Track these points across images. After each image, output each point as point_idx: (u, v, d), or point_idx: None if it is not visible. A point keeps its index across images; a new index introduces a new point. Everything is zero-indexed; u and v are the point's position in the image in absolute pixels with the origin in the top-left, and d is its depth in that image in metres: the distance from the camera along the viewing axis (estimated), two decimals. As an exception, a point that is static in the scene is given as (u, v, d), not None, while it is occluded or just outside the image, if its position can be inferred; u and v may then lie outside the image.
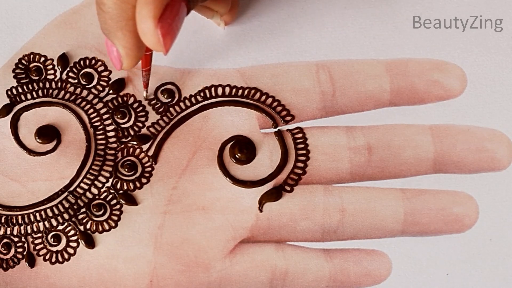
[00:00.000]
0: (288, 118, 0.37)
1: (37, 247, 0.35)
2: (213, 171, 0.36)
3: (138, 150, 0.36)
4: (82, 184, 0.35)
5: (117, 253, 0.35)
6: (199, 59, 0.37)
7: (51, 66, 0.37)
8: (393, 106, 0.37)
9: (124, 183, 0.36)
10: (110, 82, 0.37)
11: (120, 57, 0.30)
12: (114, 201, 0.35)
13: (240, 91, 0.37)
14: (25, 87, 0.37)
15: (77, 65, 0.37)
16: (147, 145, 0.36)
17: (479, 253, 0.36)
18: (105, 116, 0.36)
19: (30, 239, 0.35)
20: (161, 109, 0.37)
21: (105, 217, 0.35)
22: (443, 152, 0.36)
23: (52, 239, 0.35)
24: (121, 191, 0.35)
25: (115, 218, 0.35)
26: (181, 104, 0.37)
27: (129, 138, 0.36)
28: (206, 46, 0.38)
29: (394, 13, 0.39)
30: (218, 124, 0.37)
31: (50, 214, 0.35)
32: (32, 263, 0.35)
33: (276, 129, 0.37)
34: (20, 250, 0.35)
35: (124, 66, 0.31)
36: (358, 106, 0.37)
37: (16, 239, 0.35)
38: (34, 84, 0.37)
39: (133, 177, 0.36)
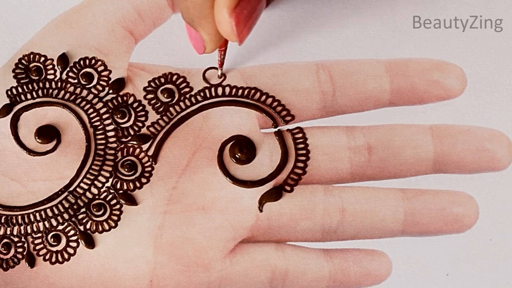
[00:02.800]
0: (288, 118, 0.37)
1: (37, 247, 0.35)
2: (213, 171, 0.36)
3: (138, 150, 0.36)
4: (82, 184, 0.35)
5: (117, 253, 0.35)
6: (199, 59, 0.37)
7: (51, 66, 0.37)
8: (393, 106, 0.37)
9: (124, 183, 0.36)
10: (110, 82, 0.37)
11: (203, 42, 0.32)
12: (114, 201, 0.35)
13: (240, 91, 0.37)
14: (25, 87, 0.37)
15: (77, 65, 0.37)
16: (147, 145, 0.36)
17: (479, 253, 0.36)
18: (105, 116, 0.36)
19: (30, 239, 0.35)
20: (161, 109, 0.37)
21: (105, 217, 0.35)
22: (443, 152, 0.36)
23: (52, 239, 0.35)
24: (121, 191, 0.35)
25: (115, 218, 0.35)
26: (181, 103, 0.37)
27: (129, 138, 0.36)
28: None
29: (394, 13, 0.39)
30: (218, 124, 0.37)
31: (50, 214, 0.35)
32: (32, 263, 0.35)
33: (276, 129, 0.37)
34: (20, 250, 0.35)
35: (207, 50, 0.32)
36: (358, 106, 0.37)
37: (16, 239, 0.35)
38: (34, 84, 0.37)
39: (133, 177, 0.36)
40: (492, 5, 0.39)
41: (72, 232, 0.35)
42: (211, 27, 0.31)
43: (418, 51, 0.38)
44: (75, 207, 0.35)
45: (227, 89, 0.37)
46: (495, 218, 0.37)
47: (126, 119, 0.36)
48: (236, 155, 0.36)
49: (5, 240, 0.35)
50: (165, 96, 0.37)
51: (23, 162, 0.36)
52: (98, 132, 0.36)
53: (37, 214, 0.35)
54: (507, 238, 0.37)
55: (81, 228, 0.35)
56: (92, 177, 0.36)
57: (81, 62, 0.37)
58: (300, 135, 0.37)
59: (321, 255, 0.36)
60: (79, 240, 0.35)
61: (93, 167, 0.36)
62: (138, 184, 0.36)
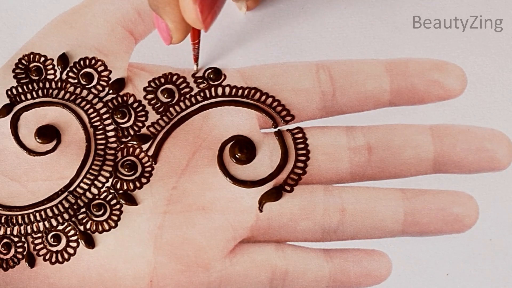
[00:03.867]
0: (288, 118, 0.37)
1: (37, 247, 0.35)
2: (213, 171, 0.36)
3: (138, 150, 0.36)
4: (82, 184, 0.35)
5: (117, 253, 0.35)
6: (200, 59, 0.37)
7: (51, 66, 0.37)
8: (393, 106, 0.37)
9: (124, 183, 0.36)
10: (110, 82, 0.37)
11: (169, 31, 0.32)
12: (114, 201, 0.35)
13: (240, 91, 0.37)
14: (25, 87, 0.37)
15: (77, 65, 0.37)
16: (147, 145, 0.36)
17: (479, 253, 0.36)
18: (105, 116, 0.36)
19: (30, 239, 0.35)
20: (161, 109, 0.37)
21: (105, 217, 0.35)
22: (443, 152, 0.36)
23: (52, 239, 0.35)
24: (121, 191, 0.35)
25: (115, 218, 0.35)
26: (181, 103, 0.37)
27: (129, 138, 0.36)
28: (206, 46, 0.38)
29: (394, 13, 0.39)
30: (218, 124, 0.37)
31: (50, 214, 0.35)
32: (32, 263, 0.35)
33: (276, 129, 0.37)
34: (20, 250, 0.35)
35: (174, 40, 0.32)
36: (358, 106, 0.37)
37: (16, 239, 0.35)
38: (34, 84, 0.37)
39: (133, 177, 0.36)
40: (492, 5, 0.39)
41: (72, 232, 0.35)
42: (175, 14, 0.31)
43: (418, 51, 0.38)
44: (75, 207, 0.35)
45: (227, 89, 0.37)
46: (495, 218, 0.37)
47: (126, 119, 0.36)
48: (236, 155, 0.36)
49: (5, 240, 0.35)
50: (165, 96, 0.37)
51: (23, 162, 0.36)
52: (98, 132, 0.36)
53: (37, 214, 0.35)
54: (507, 238, 0.37)
55: (81, 228, 0.35)
56: (92, 177, 0.36)
57: (81, 62, 0.37)
58: (300, 135, 0.37)
59: (321, 255, 0.36)
60: (79, 240, 0.35)
61: (93, 167, 0.36)
62: (138, 184, 0.36)
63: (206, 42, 0.38)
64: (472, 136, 0.37)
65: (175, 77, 0.37)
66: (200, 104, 0.37)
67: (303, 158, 0.36)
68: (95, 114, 0.36)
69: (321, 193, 0.36)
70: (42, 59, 0.37)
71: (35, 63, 0.37)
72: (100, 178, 0.36)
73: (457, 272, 0.36)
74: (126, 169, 0.36)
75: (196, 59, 0.36)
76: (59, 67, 0.37)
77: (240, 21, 0.39)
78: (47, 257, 0.35)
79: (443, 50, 0.38)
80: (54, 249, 0.35)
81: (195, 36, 0.35)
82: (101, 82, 0.37)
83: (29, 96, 0.36)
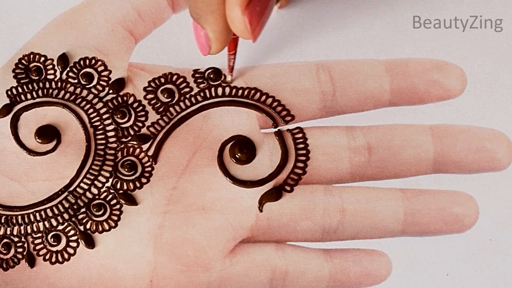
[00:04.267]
0: (288, 118, 0.37)
1: (37, 247, 0.35)
2: (213, 171, 0.36)
3: (138, 150, 0.36)
4: (82, 184, 0.35)
5: (117, 253, 0.35)
6: (199, 59, 0.37)
7: (51, 66, 0.37)
8: (393, 106, 0.37)
9: (124, 183, 0.36)
10: (110, 82, 0.37)
11: (208, 41, 0.31)
12: (114, 201, 0.35)
13: (240, 91, 0.37)
14: (25, 87, 0.37)
15: (77, 65, 0.37)
16: (147, 145, 0.36)
17: (479, 253, 0.36)
18: (105, 116, 0.36)
19: (30, 239, 0.35)
20: (161, 109, 0.37)
21: (105, 217, 0.35)
22: (443, 152, 0.36)
23: (52, 239, 0.35)
24: (121, 191, 0.35)
25: (115, 218, 0.35)
26: (181, 103, 0.37)
27: (129, 138, 0.36)
28: (206, 46, 0.38)
29: (394, 13, 0.39)
30: (218, 124, 0.37)
31: (50, 214, 0.35)
32: (32, 263, 0.35)
33: (276, 129, 0.37)
34: (20, 250, 0.35)
35: (212, 50, 0.32)
36: (358, 106, 0.37)
37: (16, 239, 0.35)
38: (34, 84, 0.37)
39: (133, 177, 0.36)
40: (492, 5, 0.39)
41: (72, 232, 0.35)
42: (217, 24, 0.30)
43: (418, 51, 0.38)
44: (75, 207, 0.35)
45: (227, 89, 0.37)
46: (495, 218, 0.37)
47: (126, 119, 0.36)
48: (236, 155, 0.36)
49: (5, 240, 0.35)
50: (165, 96, 0.37)
51: (23, 162, 0.36)
52: (98, 132, 0.36)
53: (37, 214, 0.35)
54: (507, 238, 0.37)
55: (81, 228, 0.35)
56: (92, 177, 0.36)
57: (81, 62, 0.37)
58: (300, 135, 0.37)
59: (321, 255, 0.36)
60: (79, 240, 0.35)
61: (93, 167, 0.36)
62: (138, 184, 0.36)
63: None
64: (472, 136, 0.37)
65: (175, 77, 0.37)
66: (200, 104, 0.37)
67: (303, 158, 0.36)
68: (95, 114, 0.36)
69: (321, 193, 0.36)
70: (42, 59, 0.37)
71: (35, 63, 0.37)
72: (100, 178, 0.36)
73: (457, 272, 0.36)
74: (126, 169, 0.36)
75: (231, 69, 0.36)
76: (59, 67, 0.37)
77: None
78: (47, 257, 0.35)
79: (443, 50, 0.38)
80: (54, 249, 0.35)
81: (232, 47, 0.35)
82: (101, 82, 0.37)
83: (29, 96, 0.36)
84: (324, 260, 0.36)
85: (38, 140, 0.36)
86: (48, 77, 0.37)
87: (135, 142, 0.36)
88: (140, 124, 0.36)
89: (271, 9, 0.30)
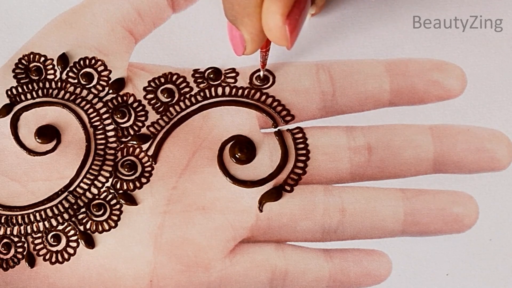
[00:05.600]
0: (288, 118, 0.37)
1: (37, 247, 0.35)
2: (213, 171, 0.36)
3: (138, 150, 0.36)
4: (82, 184, 0.35)
5: (117, 253, 0.35)
6: (200, 59, 0.37)
7: (51, 66, 0.37)
8: (393, 106, 0.37)
9: (124, 183, 0.36)
10: (110, 82, 0.37)
11: (243, 42, 0.31)
12: (114, 201, 0.35)
13: (240, 91, 0.37)
14: (25, 87, 0.37)
15: (77, 65, 0.37)
16: (147, 144, 0.36)
17: (479, 253, 0.36)
18: (105, 116, 0.36)
19: (30, 239, 0.35)
20: (161, 109, 0.37)
21: (105, 217, 0.35)
22: (443, 152, 0.36)
23: (52, 239, 0.35)
24: (121, 191, 0.35)
25: (115, 218, 0.35)
26: (181, 103, 0.37)
27: (129, 137, 0.36)
28: (206, 46, 0.38)
29: (394, 13, 0.39)
30: (218, 124, 0.37)
31: (50, 214, 0.35)
32: (32, 263, 0.35)
33: (276, 129, 0.37)
34: (20, 250, 0.35)
35: (247, 51, 0.32)
36: (358, 106, 0.37)
37: (16, 239, 0.35)
38: (34, 84, 0.37)
39: (133, 177, 0.36)
40: (492, 5, 0.39)
41: (72, 232, 0.35)
42: (253, 26, 0.30)
43: (418, 51, 0.38)
44: (75, 207, 0.35)
45: (227, 89, 0.37)
46: (495, 218, 0.37)
47: (126, 119, 0.36)
48: (236, 155, 0.36)
49: (5, 240, 0.35)
50: (165, 96, 0.37)
51: (23, 162, 0.36)
52: (98, 132, 0.36)
53: (37, 214, 0.35)
54: (507, 238, 0.37)
55: (81, 228, 0.35)
56: (92, 177, 0.36)
57: (81, 62, 0.37)
58: (300, 135, 0.37)
59: (321, 255, 0.36)
60: (79, 240, 0.35)
61: (93, 167, 0.36)
62: (138, 184, 0.36)
63: (206, 42, 0.38)
64: (472, 136, 0.37)
65: (175, 77, 0.37)
66: (200, 104, 0.37)
67: (303, 158, 0.36)
68: (95, 114, 0.36)
69: (321, 193, 0.36)
70: (42, 59, 0.37)
71: (35, 63, 0.37)
72: (100, 178, 0.36)
73: (457, 272, 0.36)
74: (126, 169, 0.36)
75: (264, 66, 0.36)
76: (59, 67, 0.37)
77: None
78: (47, 257, 0.35)
79: (443, 50, 0.38)
80: (54, 249, 0.35)
81: (266, 44, 0.34)
82: (101, 82, 0.37)
83: (29, 96, 0.36)
84: (324, 260, 0.36)
85: (38, 140, 0.36)
86: (48, 77, 0.37)
87: (135, 142, 0.36)
88: (140, 124, 0.36)
89: (306, 16, 0.30)
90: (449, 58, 0.38)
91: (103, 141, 0.36)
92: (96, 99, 0.37)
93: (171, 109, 0.37)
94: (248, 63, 0.38)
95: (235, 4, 0.30)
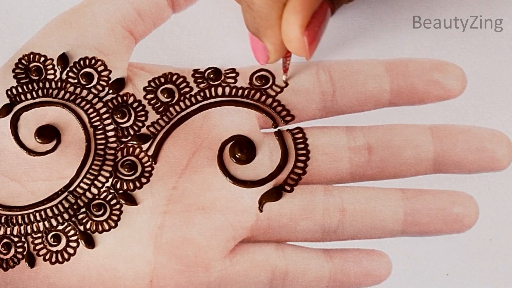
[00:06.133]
0: (288, 118, 0.37)
1: (37, 247, 0.35)
2: (213, 171, 0.36)
3: (138, 150, 0.36)
4: (82, 184, 0.35)
5: (117, 253, 0.35)
6: (200, 59, 0.37)
7: (51, 66, 0.37)
8: (393, 106, 0.37)
9: (124, 183, 0.36)
10: (110, 82, 0.37)
11: (267, 52, 0.32)
12: (114, 201, 0.35)
13: (240, 91, 0.37)
14: (25, 87, 0.37)
15: (77, 65, 0.37)
16: (147, 144, 0.36)
17: (479, 253, 0.36)
18: (105, 116, 0.36)
19: (30, 239, 0.35)
20: (161, 109, 0.37)
21: (105, 217, 0.35)
22: (443, 152, 0.36)
23: (52, 239, 0.35)
24: (121, 191, 0.35)
25: (115, 218, 0.35)
26: (181, 103, 0.37)
27: (129, 137, 0.36)
28: (206, 46, 0.38)
29: (394, 13, 0.39)
30: (218, 124, 0.37)
31: (50, 214, 0.35)
32: (32, 263, 0.35)
33: (276, 129, 0.37)
34: (20, 250, 0.35)
35: (271, 60, 0.33)
36: (358, 106, 0.37)
37: (16, 239, 0.35)
38: (34, 84, 0.37)
39: (133, 177, 0.36)
40: (492, 5, 0.39)
41: (72, 232, 0.35)
42: (276, 37, 0.31)
43: (418, 51, 0.38)
44: (75, 207, 0.35)
45: (227, 89, 0.37)
46: (495, 218, 0.37)
47: (126, 119, 0.36)
48: (236, 155, 0.36)
49: (5, 240, 0.35)
50: (165, 96, 0.37)
51: (23, 162, 0.36)
52: (98, 132, 0.36)
53: (37, 214, 0.35)
54: (507, 238, 0.37)
55: (81, 228, 0.35)
56: (92, 177, 0.36)
57: (81, 62, 0.37)
58: (300, 135, 0.37)
59: (321, 255, 0.36)
60: (79, 240, 0.35)
61: (93, 167, 0.36)
62: (138, 184, 0.36)
63: (206, 42, 0.38)
64: (472, 136, 0.37)
65: (175, 77, 0.37)
66: (200, 104, 0.37)
67: (303, 158, 0.36)
68: (95, 114, 0.36)
69: (321, 193, 0.36)
70: (42, 59, 0.37)
71: (35, 63, 0.37)
72: (100, 178, 0.36)
73: (457, 272, 0.36)
74: (126, 169, 0.36)
75: (286, 70, 0.36)
76: (59, 67, 0.37)
77: (240, 20, 0.38)
78: (47, 257, 0.35)
79: (443, 50, 0.38)
80: (54, 249, 0.35)
81: (288, 51, 0.35)
82: (101, 82, 0.37)
83: (29, 96, 0.36)
84: (324, 260, 0.36)
85: (38, 140, 0.36)
86: (48, 77, 0.37)
87: (135, 142, 0.36)
88: (140, 124, 0.36)
89: (326, 25, 0.31)
90: (449, 58, 0.38)
91: (103, 141, 0.36)
92: (96, 99, 0.37)
93: (171, 109, 0.37)
94: (248, 63, 0.38)
95: (256, 17, 0.30)
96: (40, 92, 0.37)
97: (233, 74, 0.37)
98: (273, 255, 0.36)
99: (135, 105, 0.37)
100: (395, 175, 0.36)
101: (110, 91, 0.37)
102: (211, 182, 0.36)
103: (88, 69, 0.37)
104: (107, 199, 0.35)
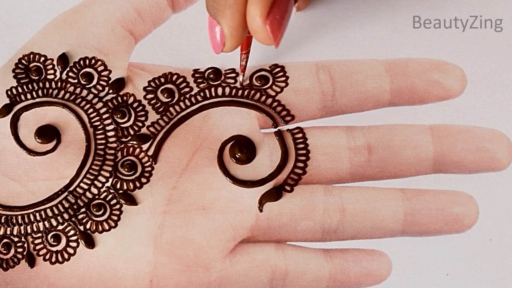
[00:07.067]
0: (288, 118, 0.37)
1: (37, 247, 0.35)
2: (213, 171, 0.36)
3: (138, 150, 0.36)
4: (82, 184, 0.35)
5: (117, 253, 0.35)
6: (200, 59, 0.37)
7: (51, 66, 0.37)
8: (393, 106, 0.37)
9: (124, 183, 0.36)
10: (110, 81, 0.37)
11: (223, 38, 0.32)
12: (114, 201, 0.35)
13: (240, 91, 0.37)
14: (25, 87, 0.37)
15: (77, 65, 0.37)
16: (147, 144, 0.36)
17: (479, 253, 0.36)
18: (105, 116, 0.36)
19: (30, 239, 0.35)
20: (161, 109, 0.37)
21: (105, 217, 0.35)
22: (443, 152, 0.36)
23: (52, 239, 0.35)
24: (121, 191, 0.35)
25: (115, 218, 0.35)
26: (181, 103, 0.37)
27: (129, 137, 0.36)
28: (206, 46, 0.38)
29: (394, 13, 0.39)
30: (218, 124, 0.37)
31: (50, 214, 0.35)
32: (32, 263, 0.35)
33: (276, 129, 0.37)
34: (20, 250, 0.35)
35: (226, 47, 0.32)
36: (358, 106, 0.37)
37: (16, 239, 0.35)
38: (34, 84, 0.37)
39: (133, 177, 0.36)
40: (492, 5, 0.39)
41: (72, 232, 0.35)
42: (234, 20, 0.31)
43: (418, 51, 0.38)
44: (75, 207, 0.35)
45: (227, 89, 0.37)
46: (495, 218, 0.37)
47: (126, 119, 0.36)
48: (236, 155, 0.36)
49: (5, 240, 0.35)
50: (165, 96, 0.37)
51: (23, 162, 0.36)
52: (98, 132, 0.36)
53: (37, 214, 0.35)
54: (507, 238, 0.37)
55: (81, 228, 0.35)
56: (92, 177, 0.36)
57: (81, 62, 0.37)
58: (300, 135, 0.37)
59: (321, 255, 0.36)
60: (79, 240, 0.35)
61: (93, 167, 0.36)
62: (138, 184, 0.36)
63: (206, 42, 0.38)
64: (472, 136, 0.37)
65: (175, 77, 0.37)
66: (200, 104, 0.37)
67: (303, 158, 0.36)
68: (95, 114, 0.36)
69: (321, 193, 0.36)
70: (42, 59, 0.37)
71: (35, 63, 0.37)
72: (100, 178, 0.36)
73: (457, 272, 0.36)
74: (126, 169, 0.36)
75: (244, 69, 0.36)
76: (59, 67, 0.37)
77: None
78: (47, 257, 0.35)
79: (443, 50, 0.38)
80: (54, 249, 0.35)
81: (245, 46, 0.35)
82: (101, 82, 0.37)
83: (29, 96, 0.36)
84: (324, 260, 0.36)
85: (38, 140, 0.36)
86: (48, 77, 0.37)
87: (135, 142, 0.36)
88: (140, 124, 0.36)
89: (290, 13, 0.31)
90: (449, 58, 0.38)
91: (103, 141, 0.36)
92: (96, 99, 0.37)
93: (171, 109, 0.37)
94: (248, 63, 0.38)
95: None
96: (40, 92, 0.37)
97: (233, 74, 0.37)
98: (273, 255, 0.36)
99: (135, 105, 0.37)
100: (395, 175, 0.36)
101: (110, 91, 0.37)
102: (211, 182, 0.36)
103: (88, 69, 0.37)
104: (107, 199, 0.35)
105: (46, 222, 0.35)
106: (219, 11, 0.31)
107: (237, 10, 0.30)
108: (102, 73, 0.37)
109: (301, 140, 0.36)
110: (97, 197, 0.35)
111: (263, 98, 0.37)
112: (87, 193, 0.35)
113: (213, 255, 0.35)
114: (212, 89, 0.37)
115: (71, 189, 0.35)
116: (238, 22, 0.31)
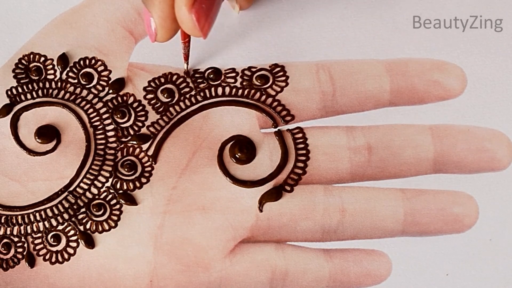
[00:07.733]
0: (288, 118, 0.37)
1: (37, 247, 0.35)
2: (213, 171, 0.36)
3: (138, 150, 0.36)
4: (82, 184, 0.35)
5: (117, 253, 0.35)
6: (200, 59, 0.37)
7: (51, 66, 0.37)
8: (393, 106, 0.37)
9: (124, 183, 0.36)
10: (110, 82, 0.37)
11: (156, 28, 0.31)
12: (114, 201, 0.35)
13: (240, 91, 0.37)
14: (25, 87, 0.37)
15: (77, 65, 0.37)
16: (147, 144, 0.36)
17: (479, 253, 0.36)
18: (104, 116, 0.36)
19: (30, 239, 0.35)
20: (161, 109, 0.37)
21: (105, 217, 0.35)
22: (443, 152, 0.36)
23: (52, 239, 0.35)
24: (121, 191, 0.35)
25: (115, 218, 0.35)
26: (181, 103, 0.37)
27: (129, 137, 0.36)
28: (206, 46, 0.38)
29: (394, 13, 0.39)
30: (218, 124, 0.37)
31: (50, 214, 0.35)
32: (32, 263, 0.35)
33: (276, 129, 0.37)
34: (20, 250, 0.35)
35: (158, 37, 0.32)
36: (358, 106, 0.37)
37: (16, 239, 0.35)
38: (34, 84, 0.37)
39: (133, 177, 0.36)
40: (492, 5, 0.39)
41: (72, 232, 0.35)
42: (162, 10, 0.31)
43: (418, 51, 0.38)
44: (75, 207, 0.35)
45: (227, 89, 0.37)
46: (495, 218, 0.37)
47: (126, 119, 0.36)
48: (236, 155, 0.36)
49: (5, 240, 0.35)
50: (165, 96, 0.37)
51: (23, 162, 0.36)
52: (98, 132, 0.36)
53: (37, 214, 0.35)
54: (507, 238, 0.37)
55: (81, 228, 0.35)
56: (92, 177, 0.36)
57: (81, 62, 0.37)
58: (300, 135, 0.37)
59: (321, 255, 0.36)
60: (79, 240, 0.35)
61: (93, 167, 0.36)
62: (138, 184, 0.36)
63: (206, 42, 0.38)
64: (472, 136, 0.37)
65: (175, 77, 0.37)
66: (200, 104, 0.37)
67: (303, 158, 0.36)
68: (95, 114, 0.36)
69: (321, 193, 0.36)
70: (42, 59, 0.37)
71: (35, 63, 0.37)
72: (100, 178, 0.36)
73: (457, 272, 0.36)
74: (126, 169, 0.36)
75: (186, 57, 0.36)
76: (59, 67, 0.37)
77: (240, 20, 0.39)
78: (47, 257, 0.35)
79: (443, 50, 0.38)
80: (54, 249, 0.35)
81: (185, 35, 0.35)
82: (101, 82, 0.37)
83: (29, 96, 0.36)
84: (324, 260, 0.36)
85: (38, 140, 0.36)
86: (48, 77, 0.37)
87: (135, 142, 0.36)
88: (140, 124, 0.36)
89: (218, 6, 0.31)
90: (449, 58, 0.38)
91: (103, 141, 0.36)
92: (96, 99, 0.37)
93: (171, 109, 0.37)
94: (248, 63, 0.38)
95: None
96: (40, 92, 0.37)
97: (233, 74, 0.37)
98: (273, 255, 0.36)
99: (135, 105, 0.37)
100: (395, 175, 0.36)
101: (110, 91, 0.37)
102: (211, 182, 0.36)
103: (88, 69, 0.37)
104: (107, 199, 0.35)
105: (46, 222, 0.35)
106: (149, 1, 0.31)
107: (165, 2, 0.30)
108: (102, 73, 0.37)
109: (301, 140, 0.36)
110: (97, 197, 0.35)
111: (263, 97, 0.37)
112: (87, 193, 0.35)
113: (213, 255, 0.35)
114: (212, 89, 0.37)
115: (71, 189, 0.35)
116: (167, 13, 0.31)
